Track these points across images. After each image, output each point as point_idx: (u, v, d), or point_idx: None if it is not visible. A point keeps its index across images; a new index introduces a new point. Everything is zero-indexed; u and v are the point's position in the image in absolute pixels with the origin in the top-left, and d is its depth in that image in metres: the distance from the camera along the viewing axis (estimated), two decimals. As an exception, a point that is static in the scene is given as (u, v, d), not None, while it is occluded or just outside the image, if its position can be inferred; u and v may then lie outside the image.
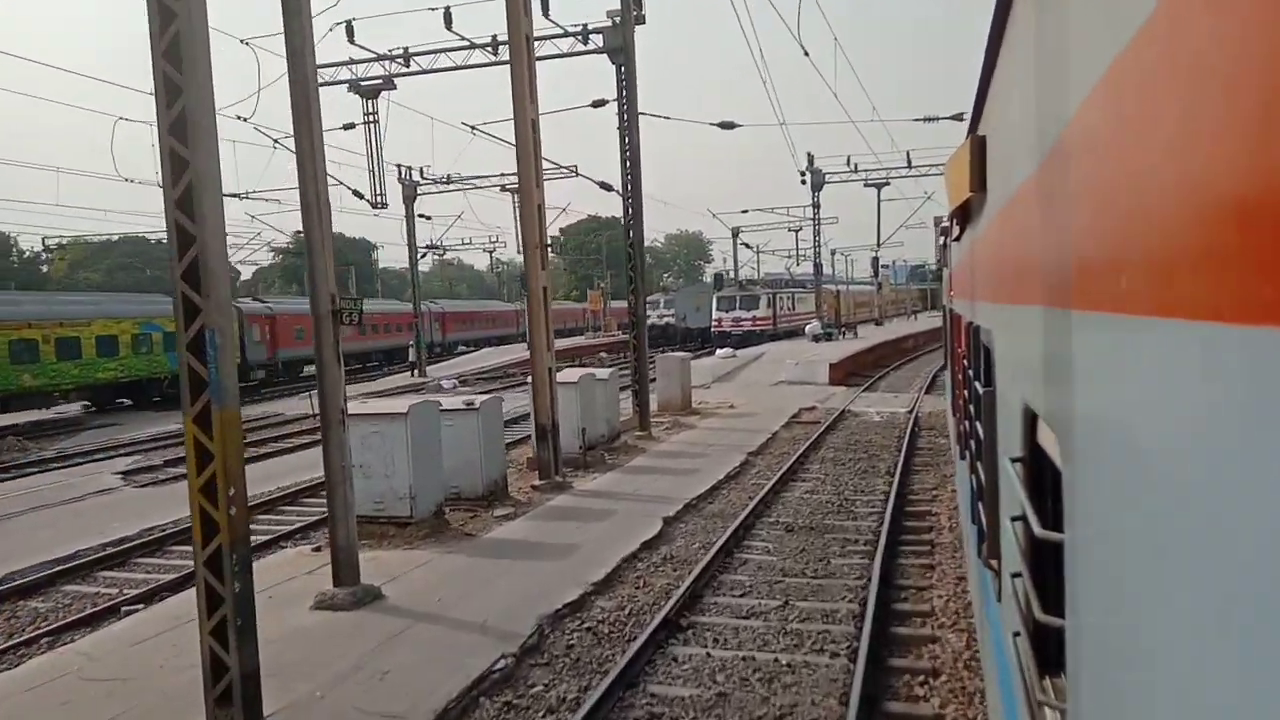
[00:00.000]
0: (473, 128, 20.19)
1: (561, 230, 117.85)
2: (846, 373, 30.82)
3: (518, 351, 47.99)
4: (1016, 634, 2.27)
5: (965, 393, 5.60)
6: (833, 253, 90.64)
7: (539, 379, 12.99)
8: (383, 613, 8.02)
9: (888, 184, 40.78)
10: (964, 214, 4.69)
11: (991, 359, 3.40)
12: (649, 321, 62.03)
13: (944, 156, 44.38)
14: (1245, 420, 0.73)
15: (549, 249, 13.02)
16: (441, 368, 42.13)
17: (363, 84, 21.14)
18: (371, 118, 22.14)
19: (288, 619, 7.96)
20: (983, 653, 4.95)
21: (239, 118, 18.92)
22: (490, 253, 74.73)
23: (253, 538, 12.42)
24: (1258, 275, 0.69)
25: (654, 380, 22.69)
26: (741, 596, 8.77)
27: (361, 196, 24.93)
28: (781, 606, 8.38)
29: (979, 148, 3.45)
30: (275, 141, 21.66)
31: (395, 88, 21.38)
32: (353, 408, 10.84)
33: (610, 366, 35.10)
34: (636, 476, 14.21)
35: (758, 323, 46.72)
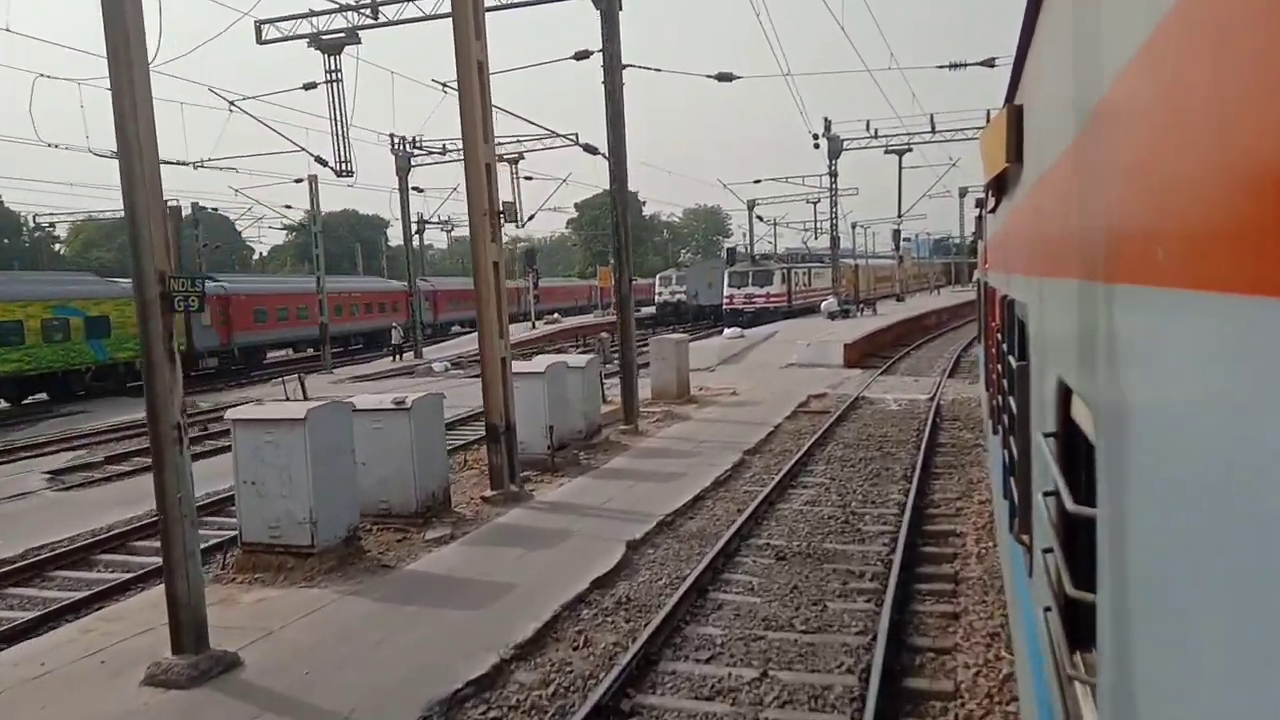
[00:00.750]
0: (443, 85, 18.16)
1: (576, 205, 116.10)
2: (863, 354, 28.60)
3: (519, 331, 46.11)
4: (1047, 609, 2.23)
5: (999, 366, 5.52)
6: (853, 226, 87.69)
7: (490, 371, 11.00)
8: (227, 693, 6.11)
9: (910, 150, 38.22)
10: (999, 185, 4.51)
11: (1026, 332, 3.36)
12: (661, 299, 60.50)
13: (972, 119, 41.62)
14: None
15: (503, 216, 10.96)
16: (435, 350, 40.28)
17: (323, 38, 19.13)
18: (334, 76, 20.17)
19: (103, 697, 6.08)
20: (1013, 628, 4.93)
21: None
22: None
23: (124, 570, 10.76)
24: None
25: (648, 365, 20.67)
26: (708, 661, 6.78)
27: (325, 164, 22.99)
28: (758, 679, 6.39)
29: (1015, 117, 3.37)
30: (231, 104, 19.73)
31: (360, 42, 19.38)
32: (243, 411, 8.92)
33: (614, 348, 33.25)
34: (610, 483, 12.23)
35: (771, 299, 44.42)
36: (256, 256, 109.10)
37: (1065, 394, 2.17)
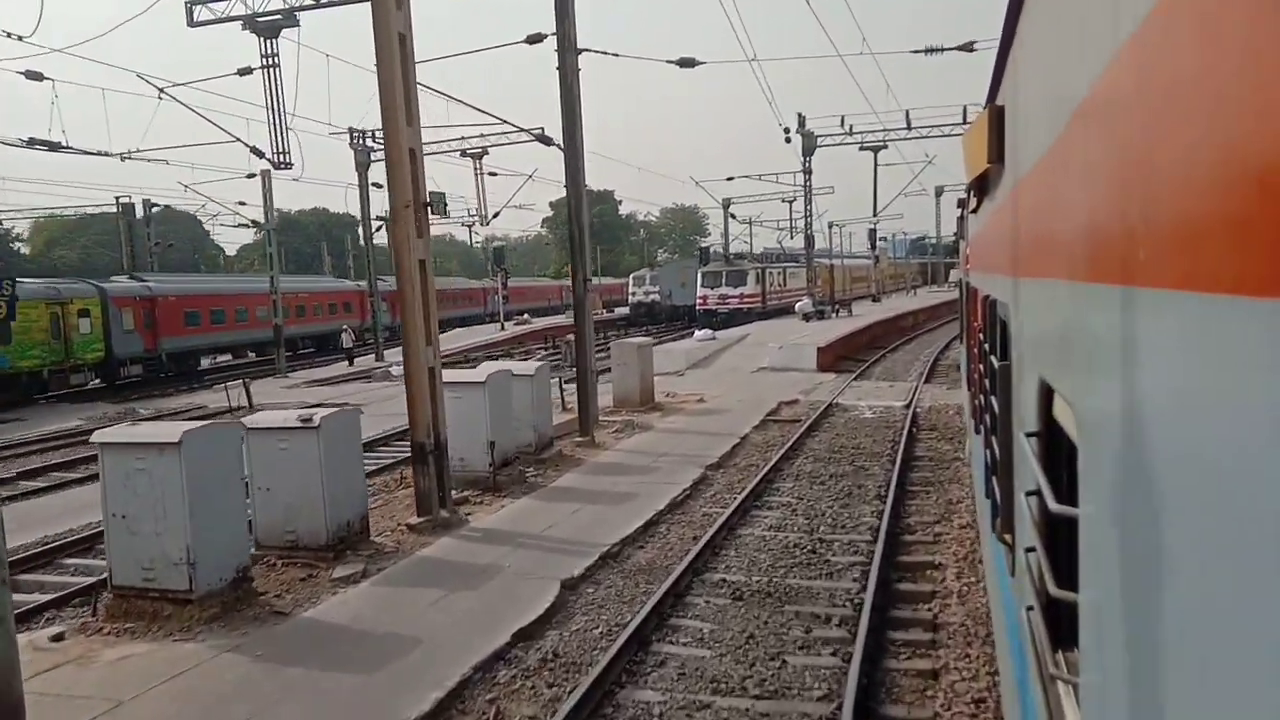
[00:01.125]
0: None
1: (550, 203, 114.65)
2: (837, 357, 27.65)
3: (488, 332, 44.80)
4: (1029, 608, 2.24)
5: (981, 366, 5.55)
6: (830, 226, 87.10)
7: (415, 384, 9.80)
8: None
9: (885, 147, 37.40)
10: (981, 186, 4.49)
11: (1008, 332, 3.35)
12: (635, 299, 59.34)
13: (949, 115, 40.92)
14: (1265, 396, 0.73)
15: (429, 209, 9.77)
16: (400, 353, 38.94)
17: (259, 20, 17.79)
18: (270, 61, 18.81)
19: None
20: (995, 627, 4.87)
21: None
22: (469, 226, 71.38)
23: None
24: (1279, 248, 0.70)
25: (609, 371, 19.53)
26: (642, 739, 5.66)
27: (261, 155, 21.61)
28: (698, 766, 5.28)
29: (997, 118, 3.37)
30: (161, 91, 18.31)
31: (298, 24, 18.05)
32: (112, 434, 7.69)
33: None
34: (556, 505, 11.08)
35: (745, 300, 43.44)
36: (225, 256, 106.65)
37: (1047, 394, 2.17)
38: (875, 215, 39.40)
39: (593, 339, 17.02)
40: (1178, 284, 0.95)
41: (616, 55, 17.14)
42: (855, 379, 23.54)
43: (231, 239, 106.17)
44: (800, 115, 37.60)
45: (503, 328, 47.08)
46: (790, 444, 14.59)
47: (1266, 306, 0.71)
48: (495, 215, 37.67)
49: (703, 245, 59.69)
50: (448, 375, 12.00)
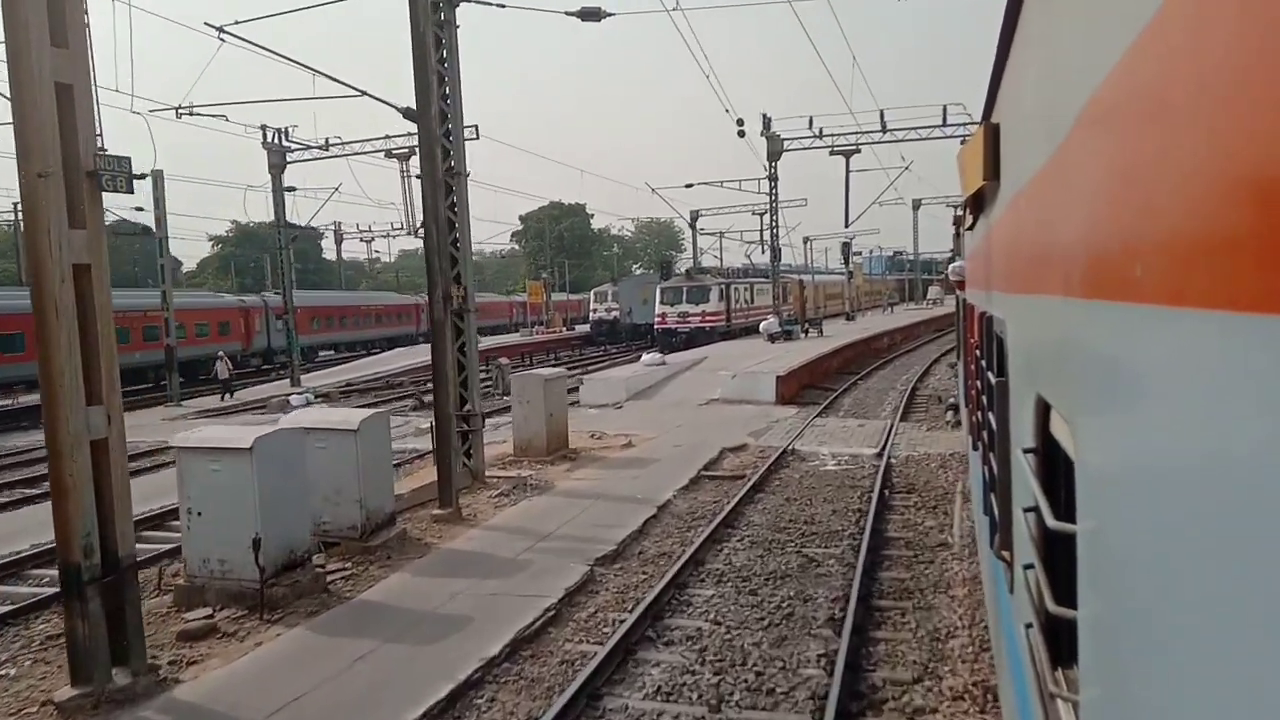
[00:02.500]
0: (219, 30, 13.22)
1: (520, 217, 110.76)
2: (801, 386, 24.03)
3: (415, 356, 40.86)
4: (1028, 625, 2.24)
5: (978, 383, 5.48)
6: (805, 240, 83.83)
7: (63, 468, 5.94)
8: None
9: (858, 151, 33.98)
10: (977, 203, 4.52)
11: (1004, 349, 3.34)
12: (596, 316, 55.55)
13: (926, 115, 37.82)
14: (1262, 411, 0.73)
15: (102, 182, 5.99)
16: (322, 376, 34.86)
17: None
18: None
19: None
20: (994, 644, 4.83)
21: None
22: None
23: None
24: (1276, 264, 0.70)
25: (515, 409, 15.74)
26: None
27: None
28: None
29: (992, 135, 3.41)
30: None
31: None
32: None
33: (513, 371, 28.24)
34: (336, 643, 7.26)
35: (707, 319, 39.85)
36: (184, 270, 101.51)
37: (1044, 410, 2.18)
38: (847, 225, 35.97)
39: (476, 371, 13.25)
40: (1174, 300, 0.95)
41: (502, 6, 13.46)
42: (820, 414, 19.90)
43: (193, 253, 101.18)
44: (765, 116, 34.20)
45: (446, 347, 43.22)
46: (723, 516, 10.89)
47: (1264, 322, 0.72)
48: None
49: (665, 260, 55.95)
50: (208, 435, 8.22)
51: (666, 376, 25.33)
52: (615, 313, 52.29)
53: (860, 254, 64.62)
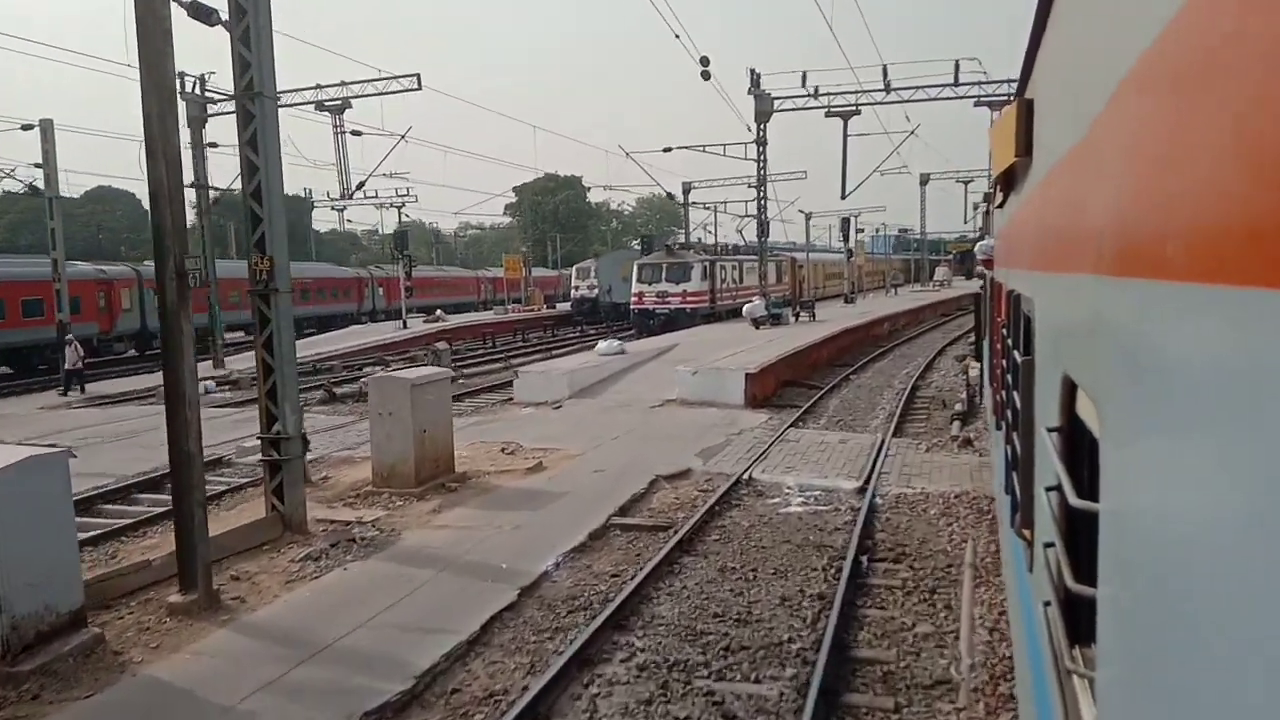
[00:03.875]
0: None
1: (515, 189, 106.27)
2: (780, 383, 20.23)
3: (377, 334, 37.05)
4: (1047, 603, 2.26)
5: (1003, 362, 5.49)
6: (808, 217, 79.41)
7: None
8: None
9: (858, 113, 29.94)
10: (1008, 180, 4.50)
11: (1031, 327, 3.32)
12: (578, 294, 51.59)
13: (936, 73, 33.69)
14: None
15: None
16: (242, 360, 31.05)
17: None
18: None
19: None
20: (1012, 622, 4.92)
21: None
22: (399, 209, 63.37)
23: None
24: None
25: (374, 425, 11.96)
26: None
27: None
28: None
29: (1026, 111, 3.37)
30: None
31: None
32: None
33: (458, 363, 24.15)
34: None
35: (689, 299, 35.95)
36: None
37: (1070, 389, 2.18)
38: (844, 196, 32.00)
39: (294, 376, 9.46)
40: (1206, 278, 0.93)
41: None
42: (795, 422, 16.10)
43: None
44: (753, 72, 30.11)
45: (404, 325, 39.42)
46: (618, 604, 7.18)
47: None
48: (360, 186, 29.89)
49: (647, 235, 51.73)
50: None
51: (622, 369, 21.52)
52: (596, 290, 48.44)
53: (862, 231, 60.48)
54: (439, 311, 44.64)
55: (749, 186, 61.37)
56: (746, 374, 17.73)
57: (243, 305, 42.34)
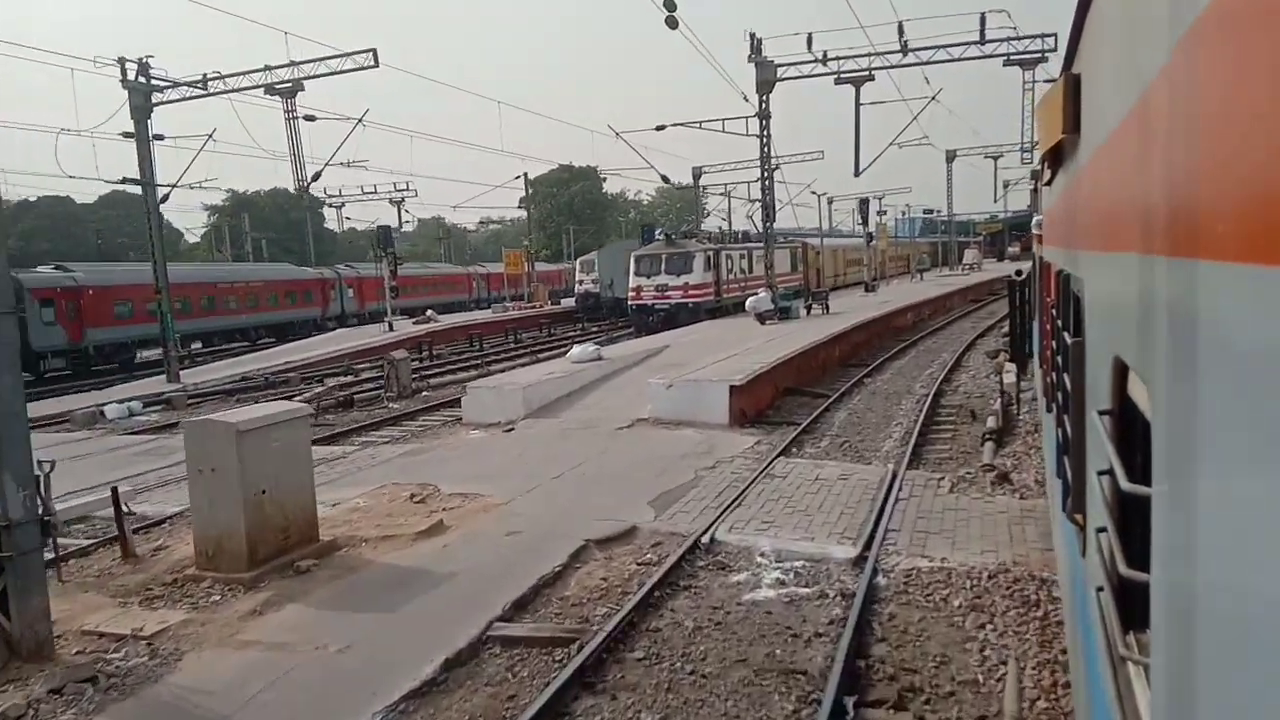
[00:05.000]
0: None
1: (529, 181, 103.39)
2: (777, 392, 17.15)
3: (346, 341, 34.45)
4: (1100, 588, 2.23)
5: (1053, 343, 5.47)
6: (830, 201, 75.73)
7: None
8: None
9: (871, 79, 26.60)
10: (1056, 157, 4.39)
11: (1081, 308, 3.31)
12: (582, 288, 48.59)
13: (960, 27, 30.15)
14: None
15: None
16: (205, 372, 28.60)
17: None
18: None
19: None
20: (1065, 608, 4.85)
21: None
22: (398, 204, 60.77)
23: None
24: None
25: (192, 487, 9.07)
26: None
27: None
28: None
29: (1073, 86, 3.29)
30: None
31: None
32: None
33: (415, 375, 21.14)
34: None
35: (690, 293, 32.84)
36: (186, 244, 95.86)
37: (1122, 371, 2.15)
38: (858, 173, 28.70)
39: (23, 430, 6.59)
40: (1261, 258, 0.92)
41: None
42: (788, 448, 13.04)
43: (196, 223, 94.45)
44: (753, 36, 26.87)
45: (389, 328, 36.78)
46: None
47: None
48: (316, 177, 27.06)
49: (643, 224, 48.54)
50: None
51: (596, 380, 18.53)
52: (598, 285, 45.46)
53: (884, 213, 56.84)
54: (430, 311, 41.94)
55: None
56: (731, 387, 14.66)
57: (217, 311, 40.49)
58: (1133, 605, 1.95)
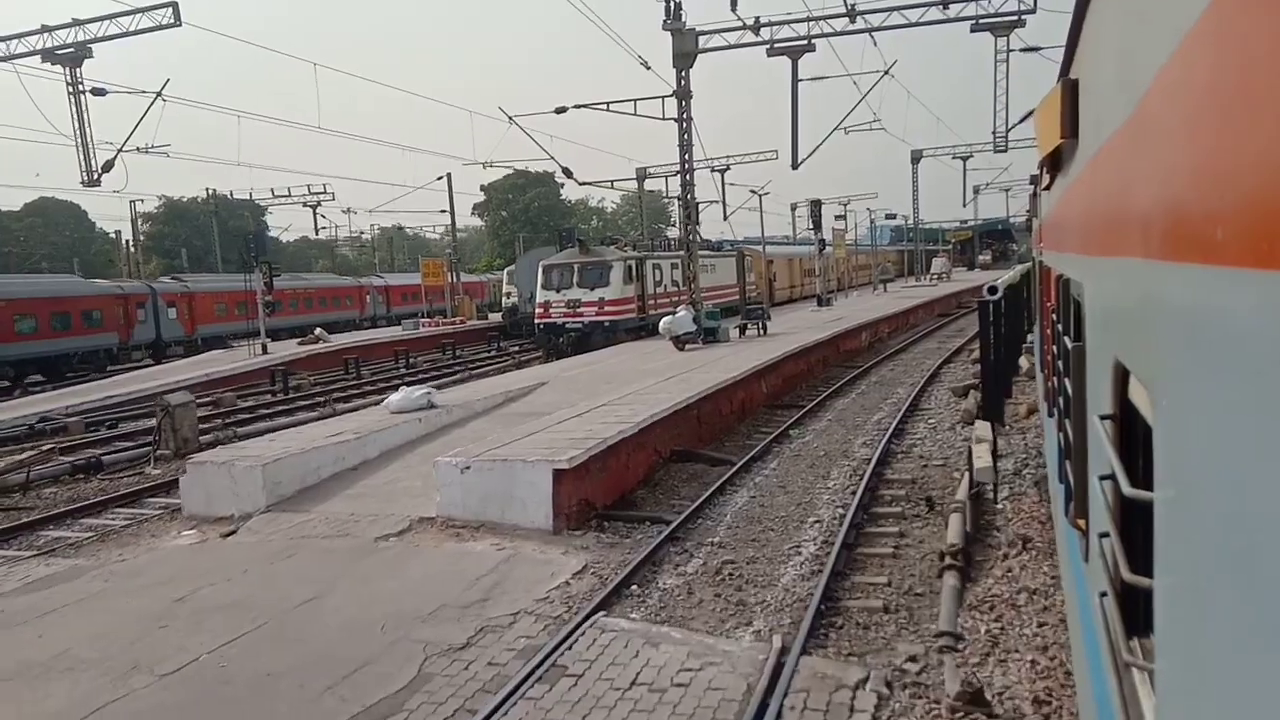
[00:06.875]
0: None
1: (482, 188, 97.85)
2: (656, 459, 11.97)
3: (202, 368, 28.83)
4: (1103, 594, 2.22)
5: (1054, 348, 5.51)
6: (793, 208, 71.06)
7: None
8: None
9: (811, 49, 21.69)
10: (1054, 162, 4.46)
11: (1081, 313, 3.30)
12: (509, 302, 42.94)
13: None
14: None
15: None
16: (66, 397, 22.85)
17: None
18: None
19: None
20: (1069, 614, 4.83)
21: None
22: (314, 208, 54.97)
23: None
24: None
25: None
26: None
27: None
28: None
29: (1071, 91, 3.33)
30: None
31: None
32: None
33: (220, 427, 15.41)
34: None
35: (607, 310, 27.62)
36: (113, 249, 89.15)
37: (1122, 375, 2.14)
38: (796, 165, 23.72)
39: None
40: (1260, 263, 0.93)
41: None
42: (616, 589, 7.86)
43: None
44: (671, 1, 21.82)
45: (263, 350, 31.20)
46: None
47: None
48: (108, 167, 21.48)
49: (562, 228, 43.03)
50: None
51: (409, 441, 13.19)
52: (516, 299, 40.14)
53: (843, 217, 52.09)
54: (319, 330, 36.38)
55: (712, 171, 53.10)
56: (556, 471, 9.41)
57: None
58: (1136, 611, 2.00)
